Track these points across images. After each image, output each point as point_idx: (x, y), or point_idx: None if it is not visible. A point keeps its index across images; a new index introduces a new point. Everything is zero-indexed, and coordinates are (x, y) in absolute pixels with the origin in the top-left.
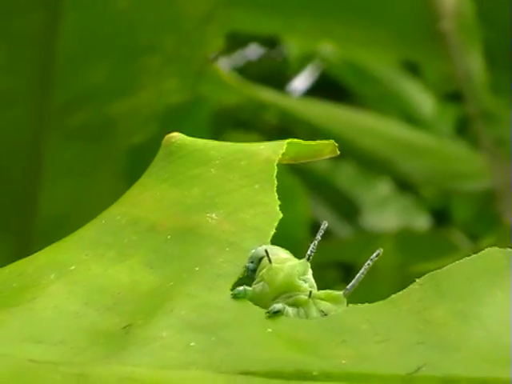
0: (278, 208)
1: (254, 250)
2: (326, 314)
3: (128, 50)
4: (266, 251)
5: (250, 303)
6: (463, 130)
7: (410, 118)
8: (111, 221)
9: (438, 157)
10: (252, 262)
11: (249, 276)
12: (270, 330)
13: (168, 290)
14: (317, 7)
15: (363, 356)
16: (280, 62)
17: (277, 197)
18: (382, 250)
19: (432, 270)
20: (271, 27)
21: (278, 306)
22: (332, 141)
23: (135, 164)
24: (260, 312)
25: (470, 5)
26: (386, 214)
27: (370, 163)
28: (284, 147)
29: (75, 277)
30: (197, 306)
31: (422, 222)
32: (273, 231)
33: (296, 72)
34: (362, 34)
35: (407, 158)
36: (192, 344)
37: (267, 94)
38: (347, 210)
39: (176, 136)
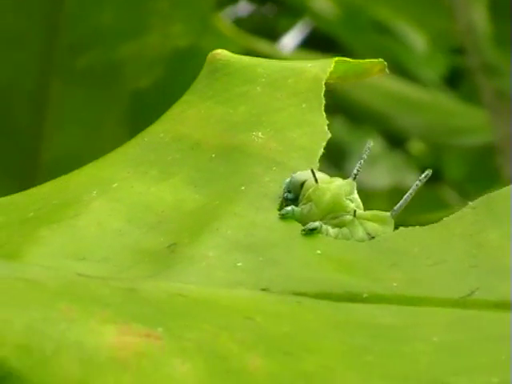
0: (326, 128)
1: (290, 178)
2: (372, 236)
3: None
4: (313, 171)
5: (298, 224)
6: (459, 82)
7: (402, 70)
8: (154, 138)
9: (435, 111)
10: (289, 192)
11: (287, 205)
12: (319, 251)
13: (213, 209)
14: None
15: (415, 279)
16: (270, 19)
17: (325, 116)
18: (430, 171)
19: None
20: None
21: (314, 223)
22: (381, 59)
23: (139, 109)
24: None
25: None
26: (377, 171)
27: (363, 117)
28: (332, 65)
29: (118, 194)
30: (243, 225)
31: (412, 179)
32: (321, 151)
33: (286, 29)
34: None
35: (403, 113)
36: (239, 264)
37: (264, 46)
38: (336, 161)
39: (221, 53)
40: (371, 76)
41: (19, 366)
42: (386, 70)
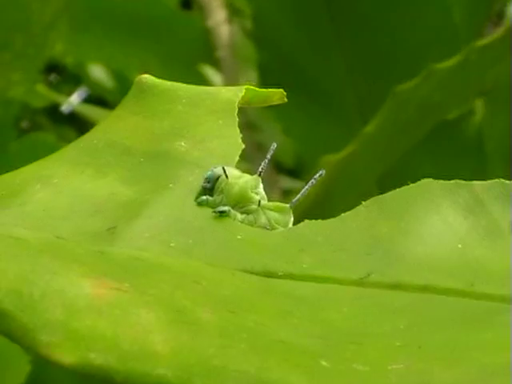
0: (240, 140)
1: (209, 171)
2: (273, 223)
3: None
4: (224, 168)
5: (225, 218)
6: None
7: None
8: (89, 144)
9: None
10: (209, 182)
11: (205, 193)
12: (239, 236)
13: (146, 201)
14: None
15: (320, 262)
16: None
17: (238, 131)
18: (324, 171)
19: None
20: None
21: (223, 207)
22: (281, 90)
23: None
24: (230, 222)
25: (242, 34)
26: None
27: None
28: (243, 91)
29: (58, 188)
30: (173, 214)
31: None
32: (237, 158)
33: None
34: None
35: None
36: (172, 244)
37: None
38: None
39: (147, 77)
40: (272, 103)
41: (12, 308)
42: (285, 98)
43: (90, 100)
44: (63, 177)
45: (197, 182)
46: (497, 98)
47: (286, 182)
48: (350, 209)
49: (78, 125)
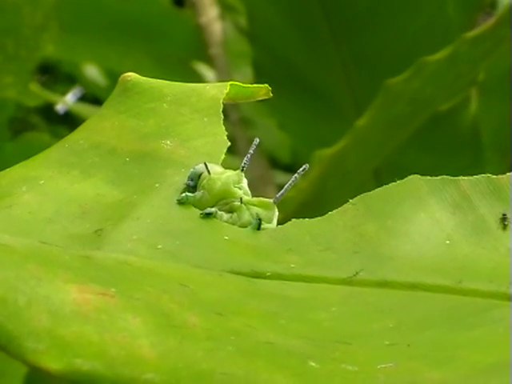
0: (225, 137)
1: (192, 169)
2: (257, 218)
3: None
4: (206, 164)
5: (212, 219)
6: None
7: None
8: (74, 144)
9: None
10: (192, 180)
11: (190, 187)
12: (226, 237)
13: (132, 202)
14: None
15: (308, 262)
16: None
17: (224, 128)
18: (308, 165)
19: None
20: None
21: (210, 209)
22: (266, 85)
23: None
24: (217, 223)
25: (235, 31)
26: None
27: None
28: (228, 87)
29: (45, 190)
30: (160, 215)
31: None
32: (222, 156)
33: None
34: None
35: None
36: (159, 246)
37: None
38: None
39: (131, 75)
40: (257, 98)
41: None
42: (270, 93)
43: (84, 99)
44: (49, 178)
45: (183, 181)
46: (491, 90)
47: (282, 178)
48: (344, 203)
49: (73, 124)
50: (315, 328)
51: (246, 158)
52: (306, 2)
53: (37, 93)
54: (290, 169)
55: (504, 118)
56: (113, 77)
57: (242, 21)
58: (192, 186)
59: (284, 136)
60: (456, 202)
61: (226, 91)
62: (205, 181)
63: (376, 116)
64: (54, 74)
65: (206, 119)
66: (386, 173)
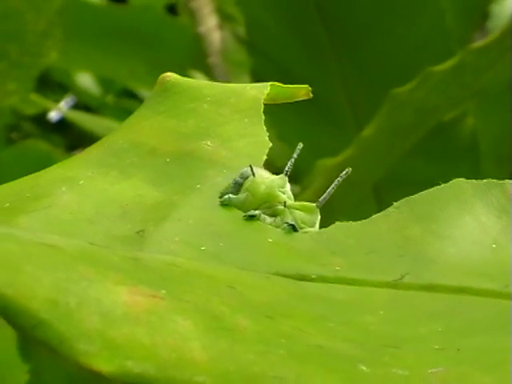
0: (267, 138)
1: (245, 168)
2: (300, 223)
3: None
4: (251, 166)
5: (255, 221)
6: None
7: None
8: (113, 145)
9: None
10: (241, 178)
11: (234, 189)
12: (270, 240)
13: (173, 203)
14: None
15: (353, 264)
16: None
17: (265, 129)
18: (350, 169)
19: None
20: None
21: (254, 211)
22: (307, 85)
23: None
24: (260, 225)
25: (233, 40)
26: None
27: None
28: (268, 88)
29: (84, 190)
30: (203, 216)
31: None
32: (264, 157)
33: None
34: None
35: None
36: (203, 248)
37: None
38: None
39: (170, 75)
40: (298, 98)
41: (48, 317)
42: (310, 93)
43: (76, 108)
44: (88, 178)
45: (225, 182)
46: (490, 100)
47: None
48: (348, 213)
49: (66, 132)
50: (363, 331)
51: (289, 163)
52: (305, 12)
53: (35, 101)
54: (289, 178)
55: (502, 128)
56: (106, 85)
57: (241, 30)
58: (239, 184)
59: (283, 146)
60: (502, 205)
61: (266, 91)
62: (249, 183)
63: (381, 126)
64: (46, 82)
65: (246, 120)
66: (383, 182)
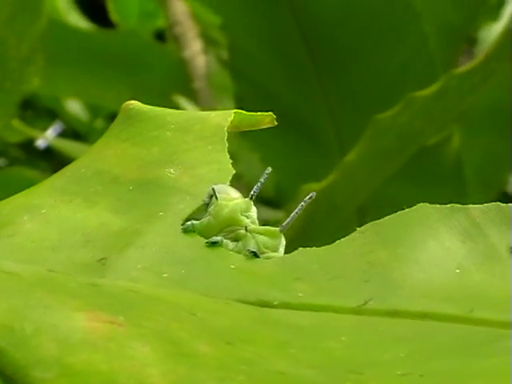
0: (230, 165)
1: (212, 187)
2: (263, 248)
3: None
4: (213, 189)
5: (218, 247)
6: None
7: None
8: (77, 173)
9: None
10: (208, 197)
11: (206, 210)
12: (232, 266)
13: (137, 230)
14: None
15: (317, 290)
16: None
17: (228, 156)
18: (314, 193)
19: None
20: None
21: (216, 238)
22: (270, 113)
23: None
24: (223, 251)
25: (218, 64)
26: None
27: None
28: (232, 115)
29: (47, 218)
30: (166, 243)
31: None
32: (227, 184)
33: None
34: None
35: None
36: (165, 275)
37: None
38: None
39: (134, 103)
40: (262, 126)
41: (3, 343)
42: (275, 121)
43: (64, 135)
44: (51, 206)
45: (188, 209)
46: (474, 123)
47: (265, 213)
48: (332, 237)
49: (54, 159)
50: (326, 357)
51: (255, 187)
52: (289, 37)
53: (18, 128)
54: (273, 203)
55: (487, 151)
56: (95, 111)
57: (225, 54)
58: (207, 204)
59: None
60: (466, 230)
61: (230, 119)
62: (212, 206)
63: (365, 151)
64: (34, 109)
65: (210, 147)
66: (367, 205)
